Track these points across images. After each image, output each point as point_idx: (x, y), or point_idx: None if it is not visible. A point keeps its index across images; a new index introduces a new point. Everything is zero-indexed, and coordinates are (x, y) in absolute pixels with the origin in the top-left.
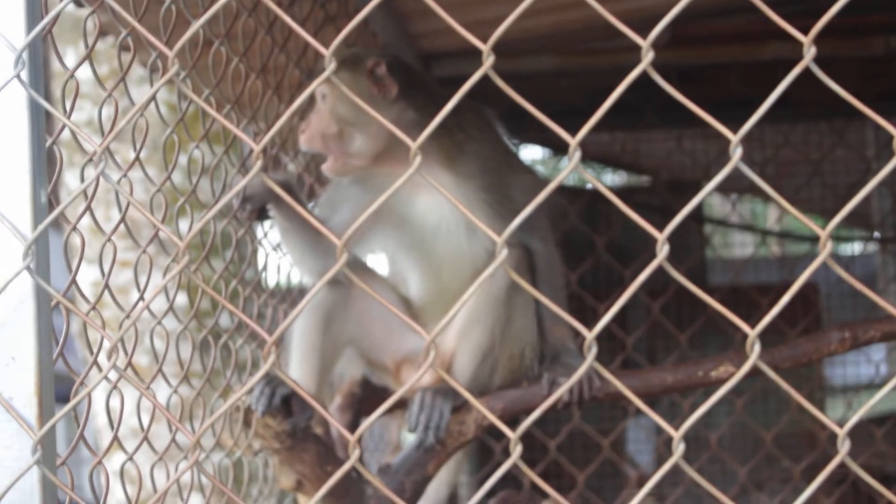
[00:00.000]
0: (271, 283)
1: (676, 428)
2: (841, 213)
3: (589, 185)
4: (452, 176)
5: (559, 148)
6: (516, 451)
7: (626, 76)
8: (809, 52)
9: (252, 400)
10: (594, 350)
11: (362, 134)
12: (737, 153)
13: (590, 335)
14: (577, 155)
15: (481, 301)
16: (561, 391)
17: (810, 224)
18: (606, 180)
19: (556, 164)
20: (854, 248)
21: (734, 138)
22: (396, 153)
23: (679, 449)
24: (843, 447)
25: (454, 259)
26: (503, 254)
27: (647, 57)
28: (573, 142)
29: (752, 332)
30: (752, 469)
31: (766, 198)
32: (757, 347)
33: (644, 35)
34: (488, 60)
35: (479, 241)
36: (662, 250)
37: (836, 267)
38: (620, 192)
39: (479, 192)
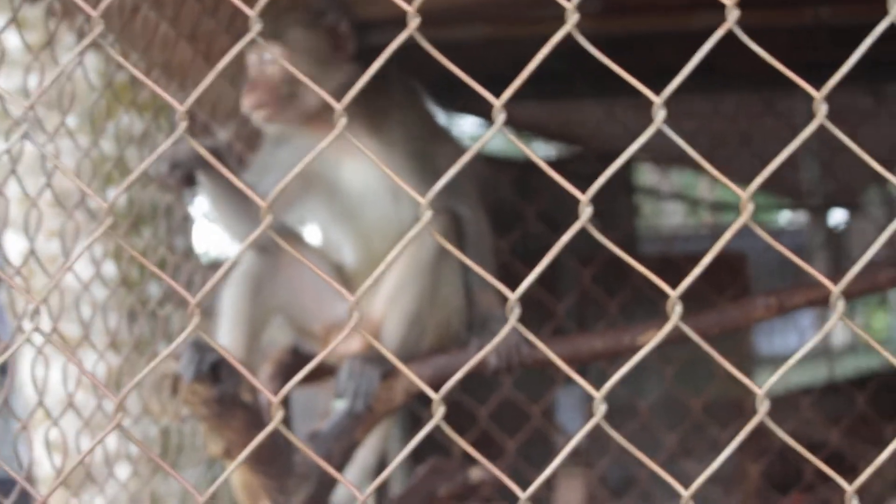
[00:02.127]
0: (203, 250)
1: (606, 393)
2: (760, 176)
3: (522, 156)
4: (377, 142)
5: (492, 118)
6: (439, 412)
7: (561, 45)
8: (732, 15)
9: (181, 366)
10: (517, 311)
11: (304, 96)
12: (659, 115)
13: (512, 296)
14: (502, 117)
15: (409, 267)
16: (485, 351)
17: (732, 186)
18: (538, 150)
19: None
20: (783, 217)
21: (657, 100)
22: (328, 116)
23: (601, 410)
24: (763, 407)
25: (382, 225)
26: (427, 215)
27: (572, 19)
28: (497, 103)
29: (674, 294)
30: (681, 436)
31: (698, 168)
32: (678, 309)
33: (575, 4)
34: (413, 22)
35: (405, 208)
36: (585, 212)
37: (759, 230)
38: (551, 162)
39: (405, 158)
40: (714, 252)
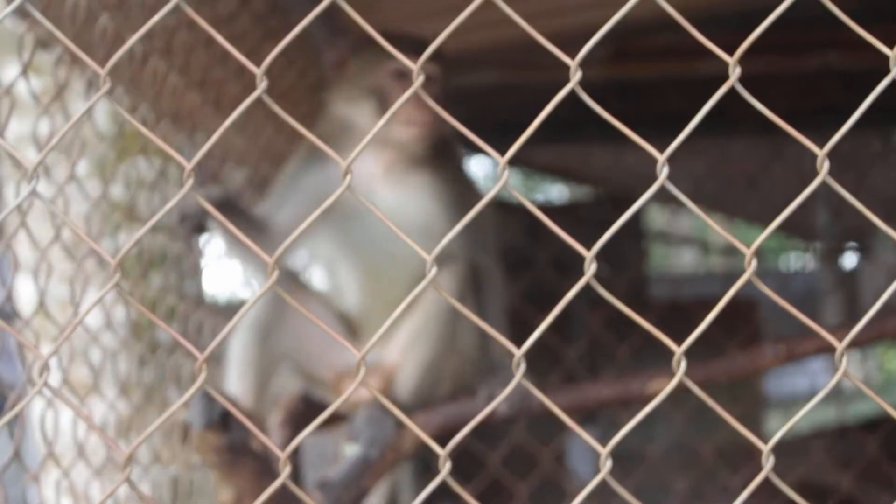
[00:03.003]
0: (217, 294)
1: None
2: (766, 232)
3: (533, 200)
4: (418, 179)
5: (511, 162)
6: (445, 467)
7: (570, 91)
8: (734, 73)
9: (191, 415)
10: (522, 367)
11: (349, 139)
12: (663, 172)
13: (518, 352)
14: (506, 174)
15: (428, 313)
16: (491, 407)
17: (736, 243)
18: (553, 192)
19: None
20: (794, 261)
21: (661, 157)
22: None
23: (607, 465)
24: (768, 462)
25: (401, 266)
26: (433, 270)
27: (575, 77)
28: (502, 161)
29: (679, 350)
30: (692, 482)
31: (710, 210)
32: (683, 364)
33: (581, 49)
34: (418, 80)
35: (430, 251)
36: (590, 268)
37: (759, 284)
38: (564, 206)
39: (441, 202)
40: (717, 310)
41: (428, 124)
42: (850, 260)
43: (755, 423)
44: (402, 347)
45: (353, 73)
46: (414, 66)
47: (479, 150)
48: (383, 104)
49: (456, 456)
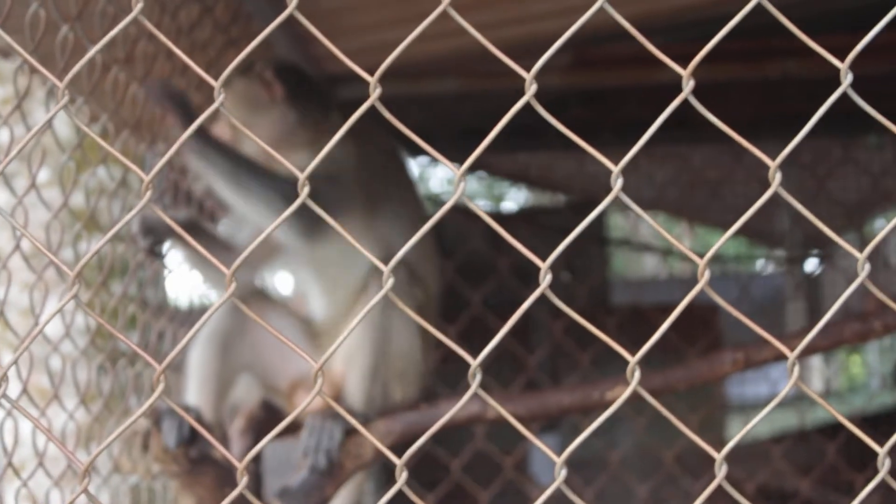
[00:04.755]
0: (179, 300)
1: (578, 446)
2: (718, 244)
3: (495, 206)
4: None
5: (473, 166)
6: (402, 477)
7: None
8: (688, 86)
9: (162, 434)
10: (478, 377)
11: (249, 140)
12: (618, 183)
13: (474, 363)
14: (462, 186)
15: (363, 323)
16: (444, 420)
17: (691, 255)
18: (518, 198)
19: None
20: (758, 267)
21: (615, 169)
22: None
23: (561, 474)
24: (721, 472)
25: (349, 277)
26: (389, 282)
27: (531, 89)
28: (458, 172)
29: (633, 360)
30: (653, 488)
31: (672, 216)
32: (637, 374)
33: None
34: (375, 92)
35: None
36: (545, 279)
37: (714, 295)
38: (526, 213)
39: (376, 214)
40: (671, 320)
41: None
42: (812, 266)
43: (717, 429)
44: (345, 357)
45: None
46: (215, 83)
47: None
48: None
49: (418, 462)
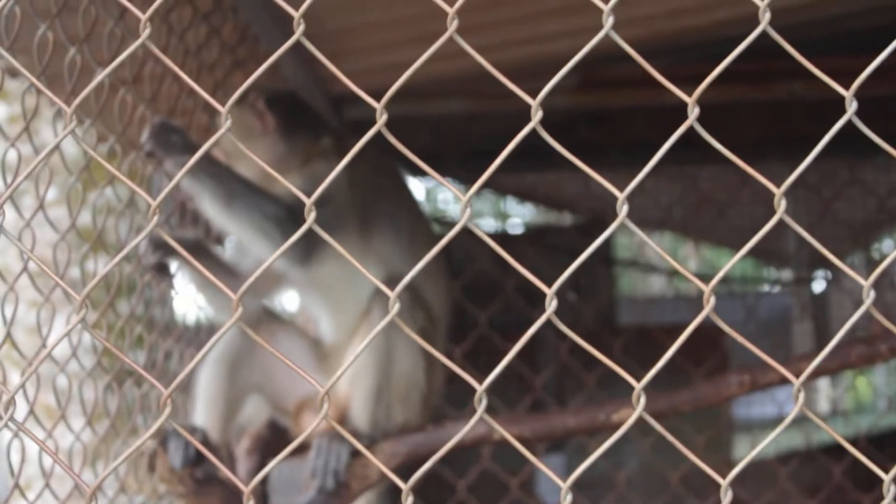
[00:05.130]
0: (187, 318)
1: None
2: (721, 272)
3: (501, 227)
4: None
5: (481, 188)
6: (408, 502)
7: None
8: (693, 113)
9: (169, 455)
10: (484, 402)
11: (242, 166)
12: (623, 210)
13: (480, 388)
14: (468, 212)
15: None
16: (449, 446)
17: (696, 281)
18: (524, 216)
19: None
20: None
21: (620, 196)
22: (290, 176)
23: (568, 499)
24: (726, 497)
25: (352, 298)
26: (395, 308)
27: (536, 116)
28: (464, 199)
29: (638, 386)
30: None
31: (680, 235)
32: (642, 400)
33: (552, 77)
34: (381, 119)
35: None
36: (551, 305)
37: (720, 322)
38: (534, 233)
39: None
40: (678, 344)
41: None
42: (819, 286)
43: (723, 448)
44: (349, 379)
45: None
46: (222, 109)
47: (448, 175)
48: None
49: (425, 482)
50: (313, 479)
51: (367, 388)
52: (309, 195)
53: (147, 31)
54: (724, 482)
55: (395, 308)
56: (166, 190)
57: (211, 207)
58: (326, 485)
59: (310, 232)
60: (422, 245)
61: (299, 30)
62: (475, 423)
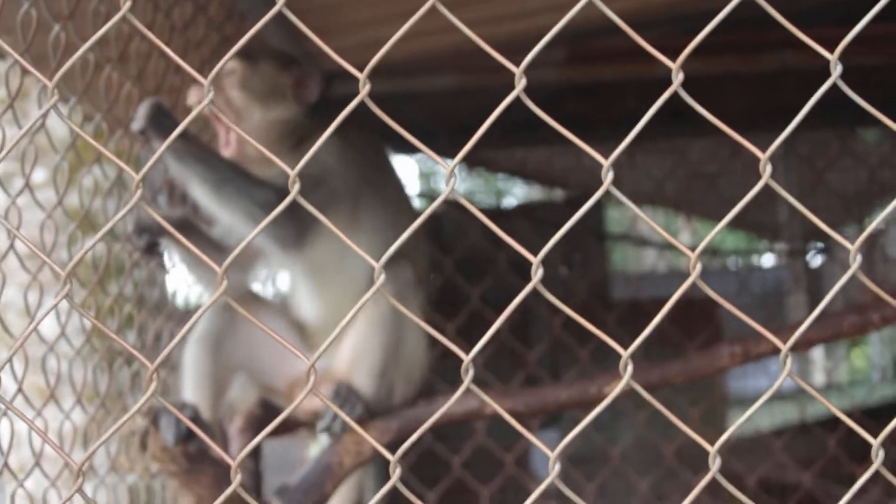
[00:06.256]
0: (177, 297)
1: (578, 440)
2: (708, 237)
3: (493, 201)
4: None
5: (472, 162)
6: (395, 474)
7: (527, 93)
8: (677, 78)
9: (161, 431)
10: (471, 373)
11: (250, 124)
12: (608, 177)
13: (467, 358)
14: (453, 182)
15: (372, 322)
16: (437, 415)
17: (681, 248)
18: (517, 193)
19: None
20: (759, 260)
21: (605, 163)
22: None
23: (555, 469)
24: (715, 465)
25: (341, 280)
26: (381, 279)
27: (520, 84)
28: (448, 167)
29: (625, 354)
30: (654, 482)
31: (672, 209)
32: (630, 368)
33: (540, 52)
34: (364, 89)
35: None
36: (538, 273)
37: (706, 288)
38: (525, 208)
39: (365, 214)
40: (662, 314)
41: (231, 144)
42: (814, 259)
43: (718, 422)
44: (351, 356)
45: None
46: (205, 81)
47: (437, 153)
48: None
49: (419, 458)
50: (322, 420)
51: (372, 367)
52: (304, 176)
53: (128, 5)
54: (712, 449)
55: (381, 279)
56: (150, 163)
57: (200, 193)
58: (335, 427)
59: (301, 215)
60: (408, 225)
61: (281, 1)
62: (464, 394)
